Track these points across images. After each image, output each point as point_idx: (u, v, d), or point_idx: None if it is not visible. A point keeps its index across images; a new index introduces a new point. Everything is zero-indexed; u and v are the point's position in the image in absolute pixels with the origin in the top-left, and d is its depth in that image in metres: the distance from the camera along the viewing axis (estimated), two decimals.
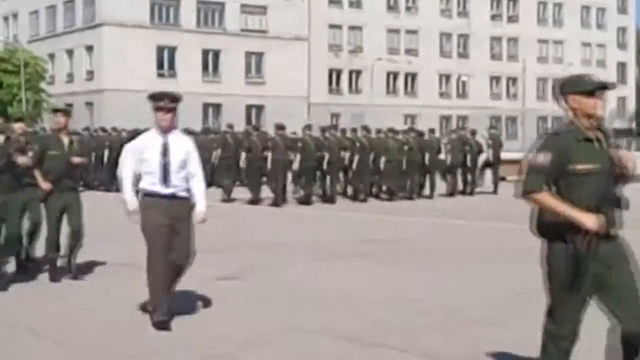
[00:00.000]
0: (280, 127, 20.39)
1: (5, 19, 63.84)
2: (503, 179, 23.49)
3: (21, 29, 61.10)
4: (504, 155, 24.88)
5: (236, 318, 7.44)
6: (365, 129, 22.75)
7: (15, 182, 8.96)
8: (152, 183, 7.12)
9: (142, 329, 6.90)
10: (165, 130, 7.23)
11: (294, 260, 10.73)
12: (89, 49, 55.32)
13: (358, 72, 62.30)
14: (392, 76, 63.35)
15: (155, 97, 7.30)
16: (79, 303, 8.23)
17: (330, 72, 61.71)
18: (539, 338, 4.98)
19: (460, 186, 23.51)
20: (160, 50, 54.96)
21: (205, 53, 56.47)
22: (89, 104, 52.79)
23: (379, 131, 22.86)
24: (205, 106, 53.75)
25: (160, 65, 55.04)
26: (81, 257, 9.58)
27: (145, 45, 53.26)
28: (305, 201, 19.92)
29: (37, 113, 48.50)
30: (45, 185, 9.16)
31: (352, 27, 62.41)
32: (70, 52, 57.33)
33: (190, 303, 7.84)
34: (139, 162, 7.23)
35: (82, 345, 6.65)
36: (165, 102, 7.24)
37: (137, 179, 7.28)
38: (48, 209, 9.33)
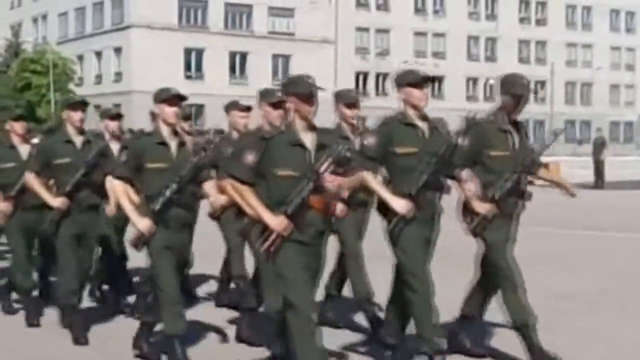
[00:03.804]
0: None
1: (35, 20, 64.34)
2: (531, 182, 23.32)
3: (50, 31, 61.59)
4: None
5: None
6: None
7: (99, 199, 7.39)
8: None
9: None
10: None
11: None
12: (117, 50, 55.67)
13: (385, 75, 62.17)
14: None
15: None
16: None
17: (357, 75, 61.69)
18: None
19: None
20: (187, 52, 55.21)
21: (232, 55, 56.66)
22: (117, 106, 53.03)
23: None
24: None
25: (187, 68, 55.30)
26: None
27: (173, 48, 53.50)
28: None
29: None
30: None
31: (379, 30, 62.38)
32: (98, 54, 57.69)
33: None
34: None
35: None
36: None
37: None
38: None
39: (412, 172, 5.69)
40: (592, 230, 13.41)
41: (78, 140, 7.29)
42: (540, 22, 68.95)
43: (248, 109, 7.64)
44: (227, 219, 7.15)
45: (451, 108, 63.43)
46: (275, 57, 57.76)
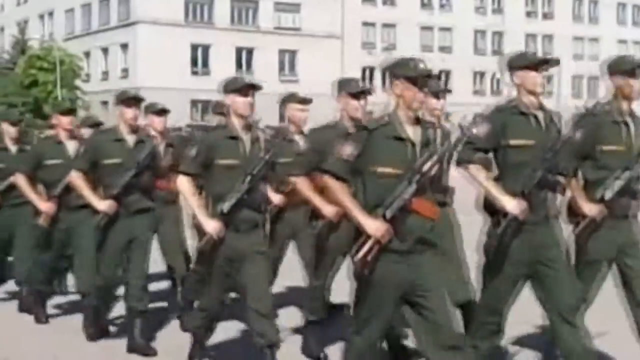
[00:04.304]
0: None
1: (41, 17, 64.38)
2: None
3: (57, 27, 61.62)
4: None
5: None
6: None
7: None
8: None
9: None
10: None
11: None
12: (124, 47, 55.68)
13: None
14: None
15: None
16: None
17: (364, 70, 61.57)
18: None
19: None
20: (194, 48, 55.20)
21: (239, 51, 56.63)
22: None
23: None
24: None
25: (194, 63, 55.29)
26: None
27: (180, 43, 53.49)
28: None
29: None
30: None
31: (385, 25, 62.28)
32: (105, 50, 57.71)
33: None
34: None
35: None
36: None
37: None
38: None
39: (525, 168, 5.08)
40: None
41: (130, 139, 6.70)
42: (547, 16, 68.76)
43: (307, 101, 7.15)
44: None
45: (458, 103, 63.36)
46: (281, 52, 57.72)
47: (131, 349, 6.67)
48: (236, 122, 5.60)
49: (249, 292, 5.59)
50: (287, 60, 58.05)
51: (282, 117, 7.35)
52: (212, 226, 5.46)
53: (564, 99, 66.80)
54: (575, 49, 69.93)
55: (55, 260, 7.79)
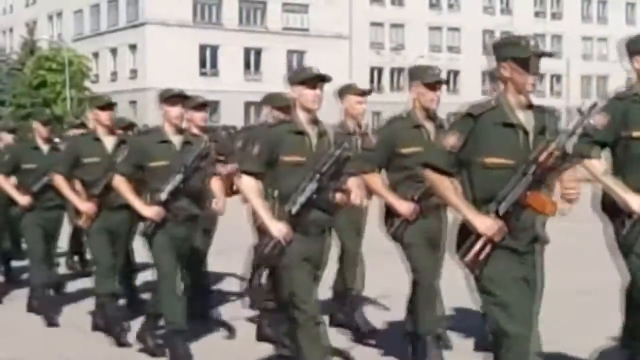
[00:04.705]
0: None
1: (50, 18, 64.50)
2: None
3: (65, 28, 61.74)
4: None
5: None
6: None
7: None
8: None
9: None
10: None
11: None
12: (133, 47, 55.77)
13: (400, 70, 62.06)
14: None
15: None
16: None
17: (372, 70, 61.58)
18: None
19: None
20: (202, 49, 55.25)
21: (247, 52, 56.66)
22: (133, 103, 53.20)
23: None
24: (247, 105, 53.88)
25: (202, 64, 55.34)
26: None
27: (188, 44, 53.56)
28: None
29: (82, 111, 49.00)
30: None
31: (393, 25, 62.24)
32: (114, 51, 57.80)
33: None
34: None
35: None
36: None
37: None
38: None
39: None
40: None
41: (176, 140, 6.27)
42: (556, 16, 68.62)
43: (366, 93, 6.80)
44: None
45: (467, 102, 63.17)
46: (290, 53, 57.71)
47: (142, 349, 6.63)
48: (302, 116, 5.10)
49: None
50: (296, 61, 58.00)
51: None
52: (278, 229, 4.93)
53: (573, 99, 66.69)
54: (584, 49, 69.77)
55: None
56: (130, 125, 8.43)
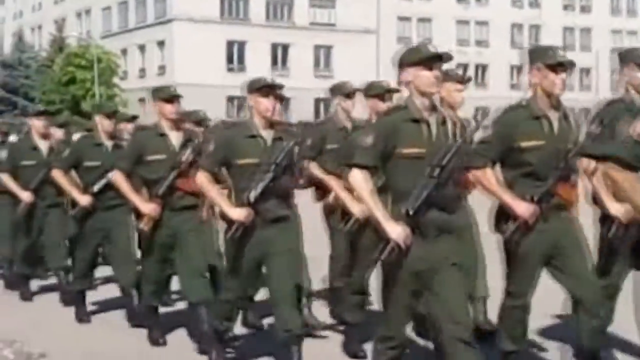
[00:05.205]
0: None
1: (79, 15, 64.89)
2: None
3: (94, 25, 62.08)
4: None
5: None
6: None
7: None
8: None
9: None
10: None
11: None
12: (161, 44, 55.99)
13: None
14: (462, 68, 62.82)
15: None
16: None
17: None
18: None
19: None
20: (230, 44, 55.38)
21: (274, 47, 56.70)
22: None
23: None
24: None
25: (230, 60, 55.47)
26: None
27: (215, 40, 53.70)
28: None
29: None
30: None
31: (421, 19, 62.03)
32: (142, 48, 58.05)
33: None
34: None
35: None
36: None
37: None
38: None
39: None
40: None
41: (267, 135, 5.65)
42: (585, 9, 68.04)
43: (466, 80, 6.26)
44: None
45: (495, 97, 62.97)
46: (317, 48, 57.69)
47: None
48: (418, 102, 4.53)
49: (441, 315, 4.48)
50: (323, 56, 58.00)
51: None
52: (397, 232, 4.36)
53: (602, 92, 66.18)
54: (613, 42, 69.15)
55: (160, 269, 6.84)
56: (201, 121, 7.85)
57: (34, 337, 7.12)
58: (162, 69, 55.72)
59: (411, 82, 4.52)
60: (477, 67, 63.08)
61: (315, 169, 6.61)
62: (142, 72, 57.86)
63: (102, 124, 7.52)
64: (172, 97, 6.55)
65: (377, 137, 4.46)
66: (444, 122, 4.53)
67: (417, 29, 62.11)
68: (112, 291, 8.61)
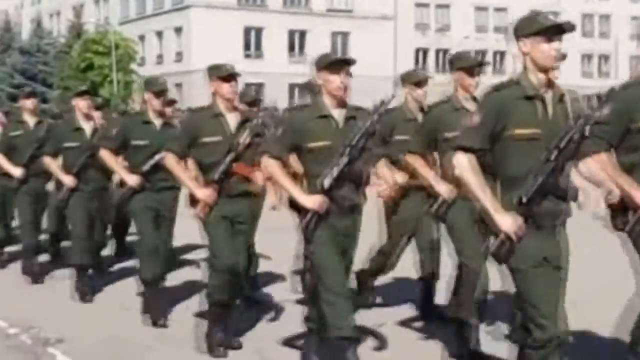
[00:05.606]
0: None
1: (96, 1, 64.98)
2: None
3: (112, 12, 62.17)
4: None
5: None
6: None
7: None
8: None
9: None
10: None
11: None
12: (178, 30, 56.03)
13: (445, 51, 61.57)
14: (481, 55, 62.49)
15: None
16: None
17: (417, 51, 61.16)
18: None
19: None
20: (247, 31, 55.35)
21: (291, 33, 56.61)
22: (178, 85, 53.45)
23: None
24: (292, 86, 53.88)
25: (247, 46, 55.46)
26: None
27: (233, 26, 53.68)
28: None
29: (128, 94, 49.40)
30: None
31: (439, 6, 61.73)
32: (159, 34, 58.12)
33: None
34: None
35: None
36: None
37: None
38: None
39: None
40: None
41: (338, 115, 5.21)
42: None
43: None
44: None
45: None
46: (334, 34, 57.54)
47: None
48: (533, 78, 4.15)
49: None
50: (340, 42, 57.83)
51: None
52: (508, 223, 3.99)
53: (621, 79, 65.66)
54: (632, 29, 68.62)
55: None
56: (255, 101, 7.51)
57: (51, 322, 7.15)
58: (179, 55, 55.76)
59: (527, 55, 4.15)
60: (495, 53, 62.77)
61: (382, 168, 5.59)
62: (160, 59, 57.92)
63: (151, 102, 7.20)
64: (229, 76, 6.11)
65: (486, 115, 4.09)
66: (561, 100, 4.14)
67: (435, 15, 61.85)
68: (129, 276, 8.65)
